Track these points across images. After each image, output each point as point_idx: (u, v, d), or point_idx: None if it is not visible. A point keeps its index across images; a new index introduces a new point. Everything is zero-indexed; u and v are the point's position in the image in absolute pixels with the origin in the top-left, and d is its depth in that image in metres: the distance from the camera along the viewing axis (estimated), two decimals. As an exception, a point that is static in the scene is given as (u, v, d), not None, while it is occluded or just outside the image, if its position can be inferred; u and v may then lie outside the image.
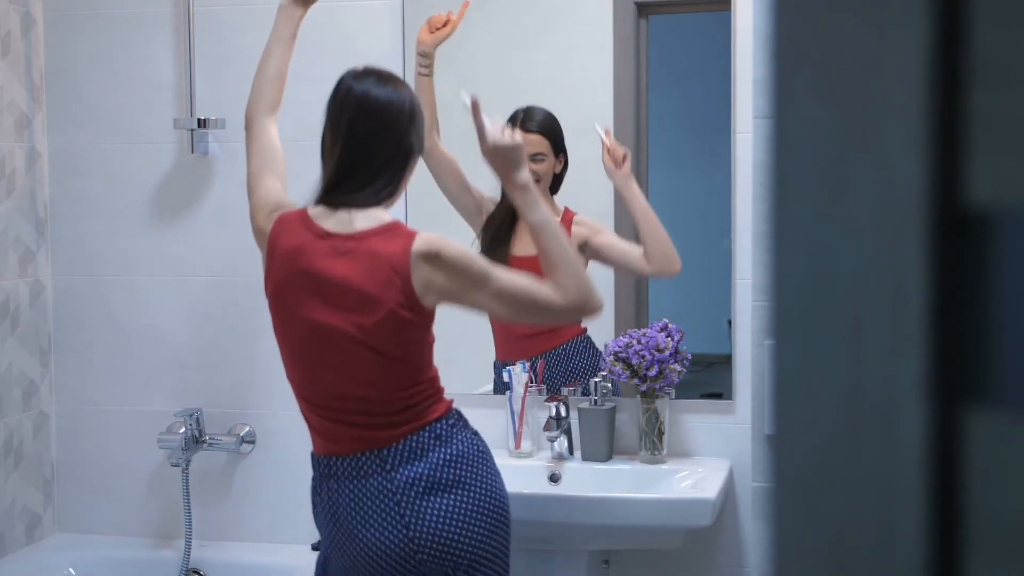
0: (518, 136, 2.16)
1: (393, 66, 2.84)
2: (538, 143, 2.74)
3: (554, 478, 2.65)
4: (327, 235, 2.07)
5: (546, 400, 2.70)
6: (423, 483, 2.04)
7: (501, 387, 2.80)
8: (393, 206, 2.18)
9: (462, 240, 2.65)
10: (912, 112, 0.44)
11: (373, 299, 2.02)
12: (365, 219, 2.08)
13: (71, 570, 2.97)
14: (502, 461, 2.71)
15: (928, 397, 0.44)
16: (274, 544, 2.94)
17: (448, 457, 2.06)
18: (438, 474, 2.05)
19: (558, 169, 2.79)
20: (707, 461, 2.67)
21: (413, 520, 2.03)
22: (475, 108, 2.16)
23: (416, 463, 2.05)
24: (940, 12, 0.44)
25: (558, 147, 2.77)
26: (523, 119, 2.76)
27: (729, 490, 2.65)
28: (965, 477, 0.44)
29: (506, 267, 2.13)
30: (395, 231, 2.07)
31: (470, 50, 2.91)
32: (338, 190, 2.10)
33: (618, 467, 2.66)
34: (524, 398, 2.71)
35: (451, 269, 2.03)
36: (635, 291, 2.83)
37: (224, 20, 2.96)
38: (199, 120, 2.93)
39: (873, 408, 0.46)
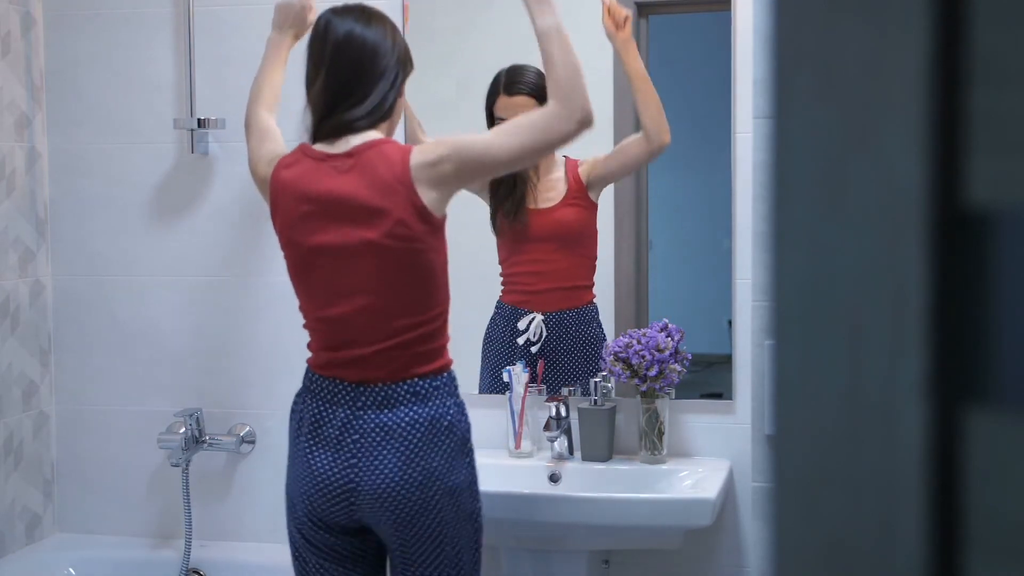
0: None
1: (393, 66, 2.85)
2: (524, 104, 2.69)
3: (554, 478, 2.65)
4: (326, 157, 2.12)
5: (546, 400, 2.70)
6: (383, 432, 2.07)
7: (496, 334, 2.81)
8: (392, 133, 2.21)
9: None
10: (912, 112, 0.44)
11: (379, 210, 2.06)
12: (360, 139, 2.13)
13: (71, 570, 2.97)
14: (502, 461, 2.72)
15: (928, 397, 0.44)
16: (274, 544, 2.93)
17: (416, 417, 2.08)
18: (401, 430, 2.07)
19: None
20: (707, 461, 2.67)
21: (360, 465, 2.07)
22: None
23: (385, 411, 2.08)
24: (940, 12, 0.44)
25: (542, 100, 2.75)
26: (506, 81, 2.74)
27: (729, 490, 2.65)
28: (965, 477, 0.44)
29: (499, 129, 2.14)
30: (390, 144, 2.12)
31: (470, 50, 2.91)
32: (330, 117, 2.14)
33: (618, 467, 2.66)
34: (524, 398, 2.71)
35: (456, 163, 2.06)
36: (635, 291, 2.83)
37: (224, 20, 2.96)
38: (199, 120, 2.93)
39: (873, 408, 0.46)
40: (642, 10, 2.78)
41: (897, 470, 0.45)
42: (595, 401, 2.69)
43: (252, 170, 2.32)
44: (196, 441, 2.94)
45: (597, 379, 2.69)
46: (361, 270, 2.08)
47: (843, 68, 0.46)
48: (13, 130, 2.98)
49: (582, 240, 2.81)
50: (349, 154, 2.11)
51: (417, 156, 2.08)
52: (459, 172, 2.08)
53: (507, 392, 2.73)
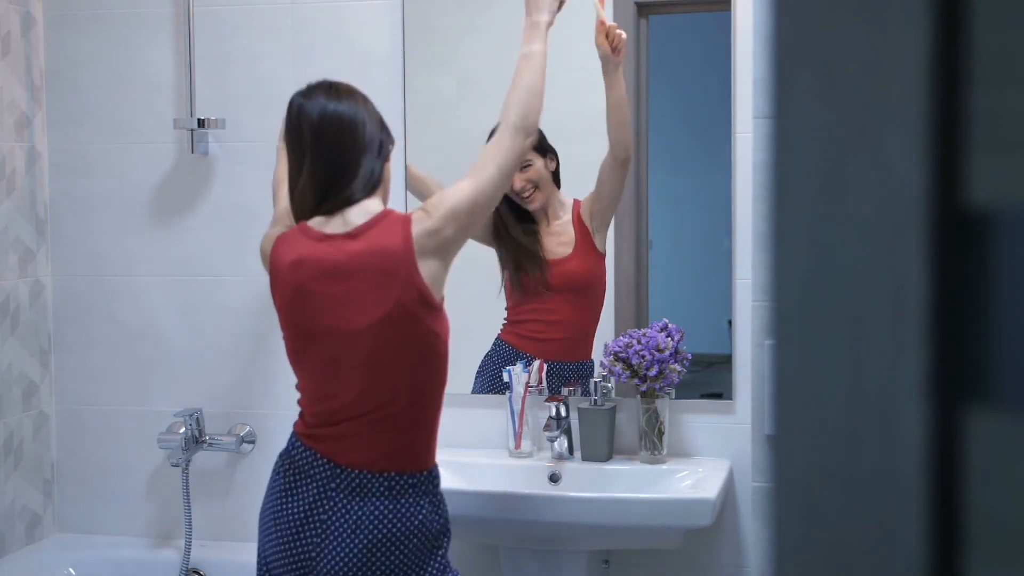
0: None
1: (393, 66, 2.85)
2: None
3: (554, 478, 2.65)
4: (326, 237, 2.09)
5: (546, 400, 2.70)
6: (349, 522, 2.03)
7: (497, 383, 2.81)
8: (387, 199, 2.19)
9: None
10: (912, 112, 0.44)
11: (378, 293, 2.03)
12: (360, 214, 2.09)
13: (71, 570, 2.97)
14: (502, 461, 2.72)
15: (928, 397, 0.44)
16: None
17: (386, 513, 2.04)
18: (367, 525, 2.03)
19: (551, 167, 2.79)
20: (707, 461, 2.67)
21: (319, 554, 2.04)
22: None
23: (355, 500, 2.05)
24: (940, 12, 0.44)
25: (542, 148, 2.76)
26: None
27: (729, 490, 2.65)
28: (965, 477, 0.44)
29: (472, 171, 2.16)
30: (390, 219, 2.09)
31: (470, 50, 2.91)
32: (326, 199, 2.11)
33: (618, 467, 2.66)
34: (524, 398, 2.71)
35: (453, 223, 2.07)
36: (635, 291, 2.83)
37: (224, 20, 2.96)
38: (199, 120, 2.93)
39: (873, 408, 0.46)
40: (642, 10, 2.78)
41: (897, 470, 0.45)
42: (595, 401, 2.69)
43: (261, 250, 2.29)
44: (196, 441, 2.94)
45: (597, 379, 2.69)
46: (358, 353, 2.04)
47: (843, 68, 0.46)
48: (13, 130, 2.98)
49: (594, 291, 2.82)
50: (350, 235, 2.08)
51: (417, 226, 2.06)
52: (460, 230, 2.08)
53: (507, 392, 2.73)
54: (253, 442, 3.00)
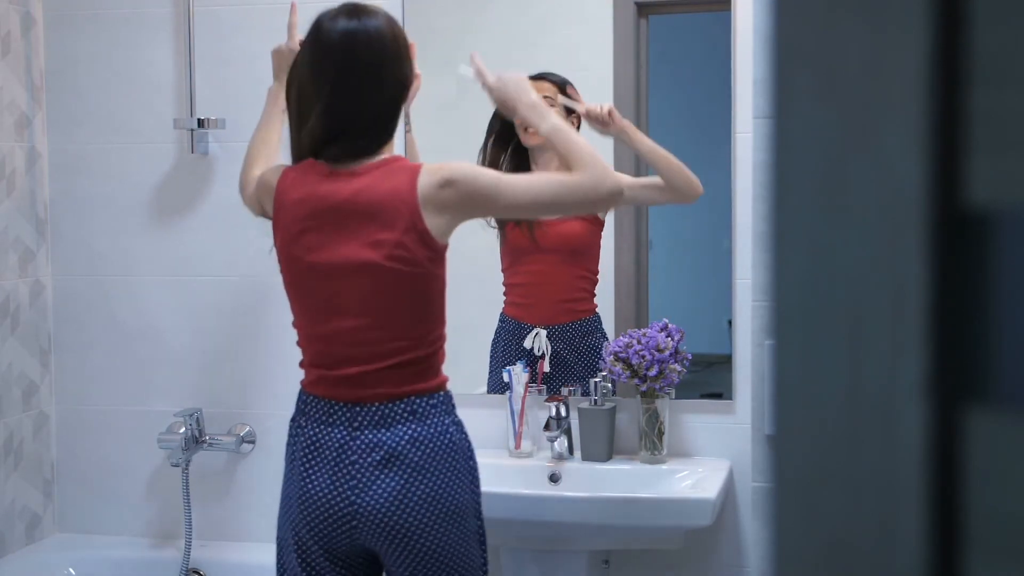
0: (513, 73, 2.21)
1: (393, 66, 2.85)
2: (547, 88, 2.73)
3: (554, 478, 2.65)
4: (331, 172, 2.08)
5: (546, 400, 2.70)
6: (381, 453, 2.02)
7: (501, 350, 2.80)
8: (392, 147, 2.16)
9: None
10: (912, 112, 0.44)
11: (381, 231, 2.03)
12: (368, 158, 2.09)
13: (71, 570, 2.97)
14: (502, 461, 2.71)
15: (928, 397, 0.44)
16: (274, 544, 2.93)
17: (415, 436, 2.03)
18: (400, 449, 2.02)
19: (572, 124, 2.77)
20: (707, 461, 2.67)
21: (360, 486, 2.02)
22: (479, 70, 2.22)
23: (382, 430, 2.03)
24: (940, 12, 0.44)
25: (569, 108, 2.75)
26: (537, 75, 2.74)
27: (729, 490, 2.65)
28: (965, 477, 0.44)
29: (519, 175, 2.11)
30: (397, 164, 2.08)
31: (470, 50, 2.91)
32: (336, 141, 2.07)
33: (618, 467, 2.66)
34: (524, 398, 2.71)
35: (462, 191, 2.03)
36: (635, 291, 2.83)
37: (224, 20, 2.96)
38: (199, 120, 2.93)
39: (873, 408, 0.46)
40: (642, 10, 2.78)
41: (897, 470, 0.45)
42: (595, 401, 2.69)
43: (262, 181, 2.24)
44: (196, 441, 2.94)
45: (597, 379, 2.69)
46: (358, 290, 2.04)
47: (843, 68, 0.46)
48: (13, 130, 2.98)
49: (586, 255, 2.81)
50: (356, 172, 2.06)
51: (425, 177, 2.03)
52: (462, 201, 2.03)
53: (507, 392, 2.73)
54: (253, 442, 3.00)
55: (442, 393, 2.10)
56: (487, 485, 2.34)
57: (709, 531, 2.57)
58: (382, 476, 2.02)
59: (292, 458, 2.12)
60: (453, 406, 2.11)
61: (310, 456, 2.07)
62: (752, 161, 2.52)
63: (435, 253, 2.05)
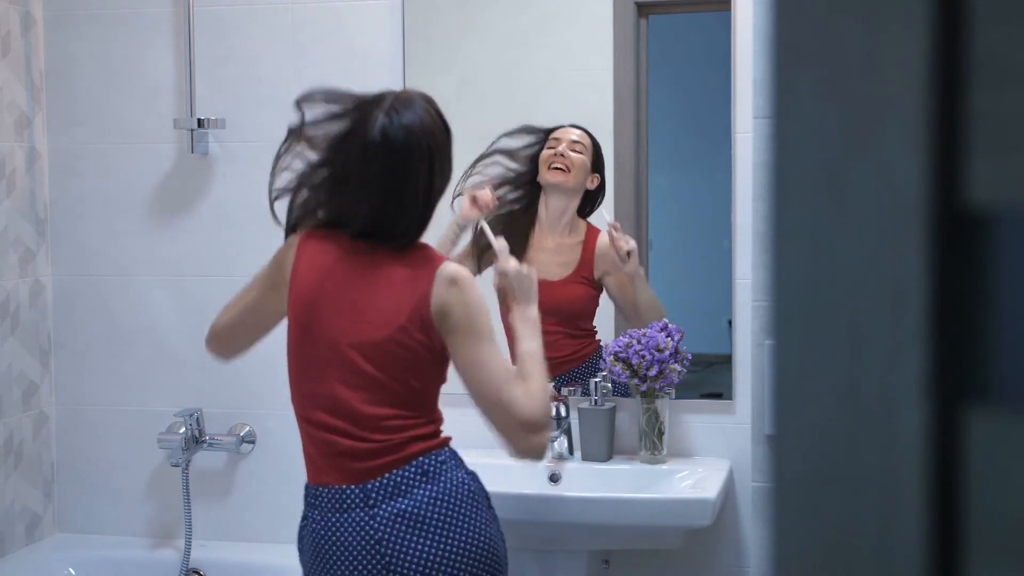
0: (533, 271, 2.17)
1: (393, 66, 2.85)
2: (580, 136, 2.75)
3: (554, 478, 2.65)
4: (355, 250, 2.04)
5: (546, 400, 2.70)
6: (407, 520, 1.96)
7: None
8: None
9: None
10: (912, 112, 0.44)
11: (389, 313, 1.99)
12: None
13: (71, 570, 2.97)
14: (502, 461, 2.71)
15: (928, 397, 0.44)
16: (274, 544, 2.93)
17: (434, 495, 1.98)
18: (423, 512, 1.97)
19: (592, 185, 2.77)
20: (707, 461, 2.67)
21: (394, 559, 1.95)
22: (501, 248, 2.20)
23: (400, 499, 1.97)
24: (940, 12, 0.44)
25: (596, 160, 2.76)
26: (568, 125, 2.77)
27: (729, 490, 2.65)
28: (965, 477, 0.44)
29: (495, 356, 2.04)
30: (425, 253, 2.05)
31: (470, 50, 2.91)
32: (368, 238, 2.04)
33: (618, 467, 2.66)
34: (524, 398, 2.71)
35: (465, 305, 1.98)
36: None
37: (224, 20, 2.96)
38: (199, 120, 2.93)
39: (873, 408, 0.46)
40: (642, 10, 2.78)
41: (897, 470, 0.45)
42: (595, 401, 2.69)
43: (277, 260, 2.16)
44: (196, 441, 2.94)
45: (597, 379, 2.69)
46: (358, 366, 2.00)
47: (843, 68, 0.46)
48: (13, 130, 2.98)
49: (585, 317, 2.81)
50: (377, 253, 2.03)
51: (446, 268, 2.00)
52: (456, 312, 1.98)
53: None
54: (253, 442, 3.00)
55: (447, 449, 2.06)
56: (487, 485, 2.34)
57: (709, 531, 2.57)
58: (413, 542, 1.96)
59: (314, 555, 2.03)
60: (461, 461, 2.07)
61: (333, 547, 1.99)
62: (752, 161, 2.52)
63: (433, 343, 2.00)
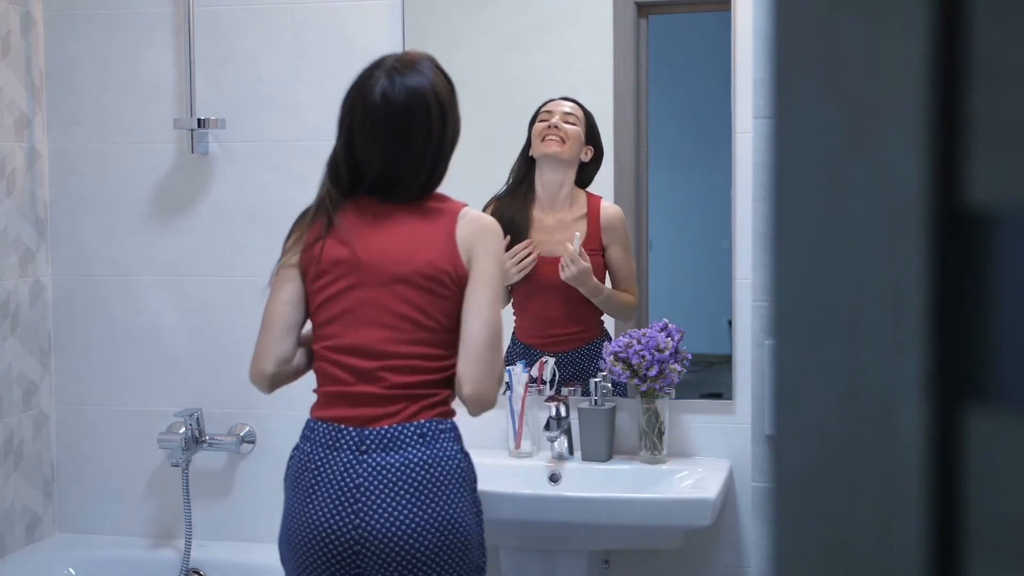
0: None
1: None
2: (572, 108, 2.76)
3: (554, 478, 2.65)
4: (371, 209, 2.11)
5: (546, 400, 2.70)
6: (391, 474, 1.99)
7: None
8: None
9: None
10: (912, 112, 0.44)
11: (418, 250, 2.06)
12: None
13: (71, 570, 2.97)
14: (502, 461, 2.71)
15: (928, 397, 0.44)
16: (274, 544, 2.93)
17: (425, 459, 2.01)
18: (409, 472, 1.99)
19: (587, 157, 2.76)
20: (707, 461, 2.67)
21: (365, 509, 1.98)
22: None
23: (391, 453, 2.00)
24: (940, 12, 0.44)
25: (591, 132, 2.76)
26: (560, 98, 2.77)
27: (729, 490, 2.65)
28: (965, 477, 0.44)
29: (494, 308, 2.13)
30: (442, 200, 2.14)
31: (470, 50, 2.91)
32: (379, 193, 2.12)
33: (618, 467, 2.66)
34: (524, 398, 2.71)
35: (486, 250, 2.07)
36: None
37: (224, 20, 2.96)
38: (199, 120, 2.93)
39: (873, 408, 0.46)
40: (642, 10, 2.78)
41: (897, 470, 0.45)
42: (595, 401, 2.69)
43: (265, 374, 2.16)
44: (196, 441, 2.94)
45: (597, 379, 2.69)
46: (386, 303, 2.06)
47: (843, 68, 0.46)
48: (13, 130, 2.98)
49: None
50: (399, 208, 2.11)
51: (469, 210, 2.12)
52: (476, 249, 2.08)
53: (507, 392, 2.73)
54: (253, 442, 3.00)
55: (450, 422, 2.09)
56: (487, 485, 2.34)
57: (709, 531, 2.57)
58: (390, 500, 1.98)
59: (295, 484, 2.07)
60: (460, 436, 2.09)
61: (314, 480, 2.03)
62: (752, 161, 2.52)
63: (460, 277, 2.07)
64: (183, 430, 2.91)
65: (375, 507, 1.98)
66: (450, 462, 2.03)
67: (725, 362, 2.72)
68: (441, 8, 2.87)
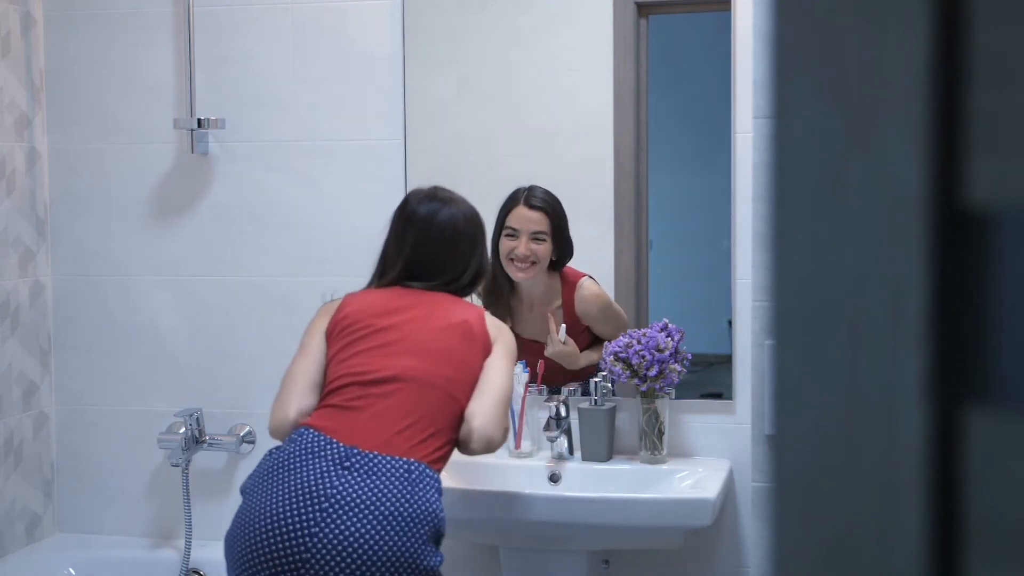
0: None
1: (393, 66, 2.85)
2: (539, 221, 2.73)
3: (554, 478, 2.65)
4: (403, 289, 2.26)
5: (546, 400, 2.70)
6: (362, 496, 1.97)
7: None
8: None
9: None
10: (912, 112, 0.44)
11: (456, 312, 2.22)
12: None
13: (71, 570, 2.97)
14: (502, 461, 2.72)
15: (928, 397, 0.44)
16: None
17: (403, 495, 2.00)
18: (383, 502, 1.98)
19: (554, 256, 2.76)
20: (707, 461, 2.67)
21: (327, 521, 1.95)
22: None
23: (371, 478, 2.00)
24: (940, 12, 0.44)
25: (560, 233, 2.74)
26: (527, 195, 2.75)
27: (729, 490, 2.65)
28: (965, 477, 0.44)
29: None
30: (464, 300, 2.32)
31: (470, 50, 2.91)
32: (405, 281, 2.28)
33: (618, 467, 2.66)
34: (524, 398, 2.71)
35: (504, 339, 2.27)
36: (635, 291, 2.83)
37: (224, 20, 2.96)
38: (199, 120, 2.93)
39: (873, 408, 0.46)
40: (642, 10, 2.78)
41: (897, 470, 0.45)
42: (595, 401, 2.69)
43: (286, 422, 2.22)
44: (196, 441, 2.94)
45: (597, 379, 2.69)
46: (425, 341, 2.16)
47: (843, 68, 0.46)
48: (13, 130, 2.98)
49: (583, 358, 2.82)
50: (424, 292, 2.26)
51: (490, 320, 2.30)
52: (495, 344, 2.25)
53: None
54: (253, 442, 3.00)
55: (438, 473, 2.11)
56: (487, 485, 2.34)
57: (709, 531, 2.57)
58: (355, 519, 1.95)
59: (264, 479, 2.04)
60: (442, 492, 2.10)
61: (286, 479, 2.00)
62: (752, 161, 2.52)
63: (488, 353, 2.23)
64: (183, 430, 2.91)
65: (338, 521, 1.95)
66: (426, 507, 2.02)
67: (725, 362, 2.72)
68: (441, 8, 2.87)
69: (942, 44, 0.44)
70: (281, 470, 2.03)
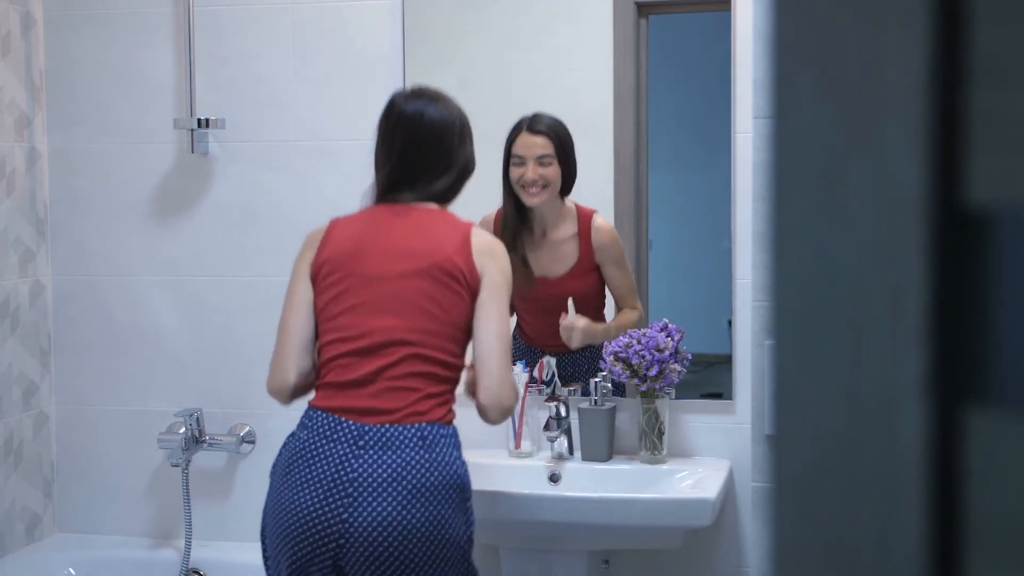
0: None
1: (393, 66, 2.85)
2: (543, 145, 2.72)
3: (554, 478, 2.65)
4: (387, 208, 2.20)
5: (546, 400, 2.70)
6: (384, 472, 1.99)
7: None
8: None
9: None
10: (912, 112, 0.44)
11: (433, 245, 2.13)
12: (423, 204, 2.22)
13: (71, 570, 2.97)
14: (502, 461, 2.71)
15: (928, 397, 0.44)
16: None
17: (422, 462, 2.01)
18: (405, 472, 2.00)
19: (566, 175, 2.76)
20: (707, 461, 2.67)
21: (356, 505, 1.98)
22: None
23: (388, 452, 2.01)
24: (940, 12, 0.44)
25: (565, 153, 2.73)
26: (530, 122, 2.74)
27: (729, 490, 2.65)
28: (965, 477, 0.44)
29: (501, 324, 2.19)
30: (452, 215, 2.22)
31: (470, 50, 2.91)
32: (392, 191, 2.21)
33: (618, 467, 2.66)
34: (524, 398, 2.71)
35: (500, 271, 2.15)
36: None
37: (224, 20, 2.96)
38: (199, 120, 2.93)
39: (873, 408, 0.46)
40: (642, 10, 2.78)
41: (897, 470, 0.45)
42: (595, 401, 2.68)
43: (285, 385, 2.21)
44: (196, 441, 2.94)
45: (597, 379, 2.69)
46: (402, 293, 2.10)
47: (843, 68, 0.46)
48: (13, 130, 2.98)
49: (595, 302, 2.80)
50: (411, 207, 2.20)
51: (479, 230, 2.20)
52: (488, 267, 2.15)
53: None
54: (253, 442, 3.00)
55: (452, 427, 2.10)
56: (487, 485, 2.34)
57: (709, 531, 2.57)
58: (382, 498, 1.98)
59: (287, 470, 2.06)
60: (460, 444, 2.11)
61: (308, 469, 2.03)
62: (752, 161, 2.52)
63: (474, 288, 2.13)
64: (183, 430, 2.91)
65: (366, 503, 1.98)
66: (447, 468, 2.03)
67: (725, 362, 2.72)
68: (441, 8, 2.87)
69: (942, 44, 0.44)
70: (301, 459, 2.05)
